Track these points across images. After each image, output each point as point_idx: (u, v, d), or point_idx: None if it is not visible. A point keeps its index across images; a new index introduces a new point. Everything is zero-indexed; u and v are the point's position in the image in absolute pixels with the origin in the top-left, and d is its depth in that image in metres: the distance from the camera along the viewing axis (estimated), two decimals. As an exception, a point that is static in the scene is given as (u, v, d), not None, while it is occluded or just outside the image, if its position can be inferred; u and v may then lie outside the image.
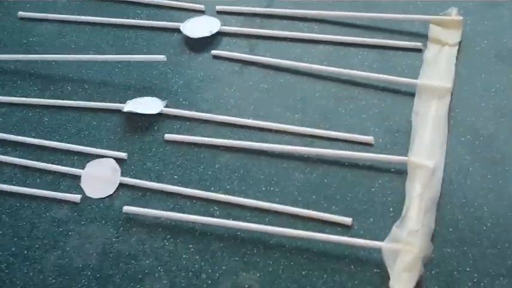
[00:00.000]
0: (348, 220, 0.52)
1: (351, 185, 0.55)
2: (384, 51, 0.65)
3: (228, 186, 0.56)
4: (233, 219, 0.53)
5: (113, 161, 0.58)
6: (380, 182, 0.55)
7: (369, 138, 0.57)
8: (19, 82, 0.65)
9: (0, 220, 0.55)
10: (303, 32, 0.67)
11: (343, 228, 0.52)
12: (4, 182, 0.57)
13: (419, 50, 0.64)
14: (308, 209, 0.53)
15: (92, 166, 0.58)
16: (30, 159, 0.59)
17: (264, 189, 0.55)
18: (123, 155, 0.58)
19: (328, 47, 0.66)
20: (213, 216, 0.54)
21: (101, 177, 0.57)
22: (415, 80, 0.61)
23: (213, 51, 0.66)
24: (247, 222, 0.53)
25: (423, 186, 0.52)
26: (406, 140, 0.57)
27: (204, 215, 0.54)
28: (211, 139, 0.59)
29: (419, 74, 0.62)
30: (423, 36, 0.65)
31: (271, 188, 0.55)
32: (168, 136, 0.59)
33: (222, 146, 0.59)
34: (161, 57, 0.63)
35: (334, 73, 0.63)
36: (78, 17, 0.71)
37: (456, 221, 0.52)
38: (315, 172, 0.56)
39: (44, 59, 0.66)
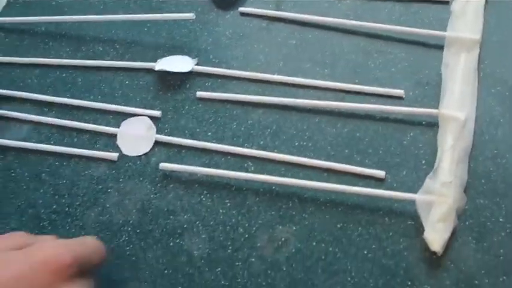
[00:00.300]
0: (381, 173, 0.53)
1: (382, 139, 0.56)
2: (411, 4, 0.65)
3: (262, 142, 0.57)
4: (267, 174, 0.55)
5: (148, 119, 0.59)
6: (412, 134, 0.56)
7: (399, 92, 0.58)
8: (51, 44, 0.66)
9: (41, 179, 0.57)
10: (328, -13, 0.67)
11: (377, 181, 0.53)
12: (42, 142, 0.59)
13: (446, 2, 0.64)
14: (341, 163, 0.54)
15: (127, 124, 0.59)
16: (66, 119, 0.60)
17: (296, 144, 0.56)
18: (157, 113, 0.59)
19: (355, 1, 0.66)
20: (247, 171, 0.55)
21: (136, 135, 0.58)
22: (443, 33, 0.61)
23: (240, 8, 0.66)
24: (282, 176, 0.54)
25: (455, 138, 0.53)
26: (436, 92, 0.57)
27: (239, 171, 0.55)
28: (242, 96, 0.60)
29: (447, 26, 0.62)
30: (450, -12, 0.65)
31: (304, 143, 0.56)
32: (200, 94, 0.60)
33: (253, 102, 0.59)
34: (190, 16, 0.63)
35: (362, 27, 0.63)
36: (105, -24, 0.71)
37: (488, 172, 0.53)
38: (346, 126, 0.57)
39: (74, 20, 0.67)
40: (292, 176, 0.54)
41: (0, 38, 0.67)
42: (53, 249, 0.42)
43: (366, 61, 0.61)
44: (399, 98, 0.58)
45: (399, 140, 0.56)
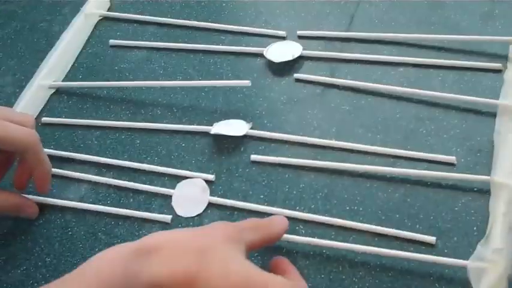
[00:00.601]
0: (431, 239, 0.53)
1: (434, 204, 0.56)
2: (464, 72, 0.66)
3: (313, 205, 0.57)
4: (318, 238, 0.55)
5: (202, 181, 0.60)
6: (463, 201, 0.56)
7: (451, 158, 0.58)
8: (112, 107, 0.69)
9: (97, 238, 0.58)
10: (382, 55, 0.68)
11: (427, 247, 0.53)
12: (99, 202, 0.61)
13: (499, 71, 0.65)
14: (391, 227, 0.55)
15: (182, 186, 0.60)
16: (123, 180, 0.62)
17: (347, 208, 0.57)
18: (211, 176, 0.61)
19: (408, 69, 0.67)
20: (298, 234, 0.56)
21: (190, 197, 0.60)
22: (495, 101, 0.61)
23: (296, 75, 0.68)
24: (332, 240, 0.55)
25: (507, 205, 0.53)
26: (488, 159, 0.58)
27: (290, 233, 0.55)
28: (295, 159, 0.61)
29: (500, 94, 0.62)
30: (503, 57, 0.66)
31: (355, 207, 0.57)
32: (254, 157, 0.62)
33: (305, 166, 0.60)
34: (246, 82, 0.65)
35: (414, 94, 0.64)
36: (165, 43, 0.74)
37: (541, 240, 0.52)
38: (397, 192, 0.57)
39: (134, 85, 0.69)
40: (343, 240, 0.54)
41: (64, 101, 0.70)
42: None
43: (417, 127, 0.62)
44: (451, 164, 0.58)
45: (451, 206, 0.55)
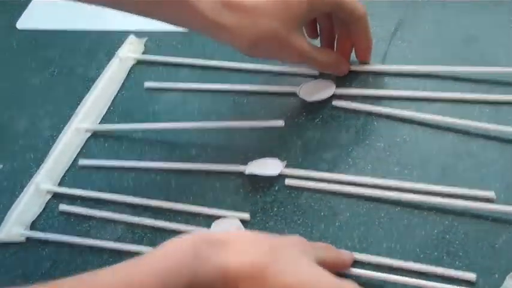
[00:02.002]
0: (472, 276, 0.52)
1: (473, 241, 0.55)
2: (500, 106, 0.65)
3: (349, 243, 0.57)
4: (355, 276, 0.54)
5: (237, 220, 0.60)
6: (504, 237, 0.54)
7: (490, 194, 0.57)
8: (147, 148, 0.69)
9: (133, 279, 0.58)
10: (416, 90, 0.68)
11: (468, 285, 0.52)
12: (135, 242, 0.61)
13: (536, 103, 0.64)
14: (430, 265, 0.54)
15: (217, 226, 0.60)
16: (159, 220, 0.62)
17: (384, 246, 0.56)
18: (246, 215, 0.60)
19: (443, 104, 0.66)
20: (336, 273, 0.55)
21: (225, 236, 0.59)
22: (534, 134, 0.61)
23: (334, 102, 0.69)
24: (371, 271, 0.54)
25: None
26: (527, 195, 0.57)
27: (327, 272, 0.55)
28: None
29: (538, 127, 0.61)
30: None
31: (392, 245, 0.56)
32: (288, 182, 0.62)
33: (341, 204, 0.60)
34: (279, 123, 0.65)
35: (452, 125, 0.64)
36: (199, 84, 0.74)
37: None
38: (436, 228, 0.56)
39: (169, 128, 0.70)
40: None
41: (100, 144, 0.71)
42: None
43: (455, 163, 0.61)
44: (490, 200, 0.57)
45: (490, 243, 0.54)
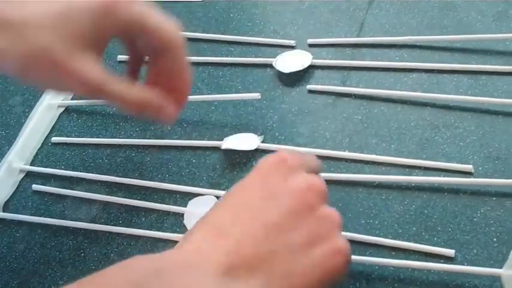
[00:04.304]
0: (450, 252, 0.52)
1: (451, 215, 0.54)
2: (479, 75, 0.64)
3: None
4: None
5: (214, 198, 0.59)
6: (482, 211, 0.54)
7: (468, 167, 0.57)
8: (121, 124, 0.68)
9: (109, 258, 0.57)
10: (393, 61, 0.67)
11: (446, 260, 0.52)
12: (111, 222, 0.60)
13: (515, 73, 0.63)
14: (409, 240, 0.53)
15: (194, 204, 0.59)
16: (134, 199, 0.61)
17: (363, 222, 0.55)
18: (222, 193, 0.59)
19: (421, 74, 0.65)
20: (313, 250, 0.54)
21: (202, 214, 0.58)
22: (512, 105, 0.60)
23: (309, 86, 0.66)
24: (348, 255, 0.53)
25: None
26: (506, 167, 0.56)
27: (305, 250, 0.54)
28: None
29: (517, 97, 0.61)
30: (519, 59, 0.64)
31: (371, 221, 0.55)
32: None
33: (319, 179, 0.59)
34: (256, 95, 0.64)
35: (428, 99, 0.63)
36: (173, 57, 0.73)
37: None
38: (414, 203, 0.56)
39: (143, 100, 0.68)
40: (359, 255, 0.53)
41: (73, 120, 0.69)
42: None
43: (433, 136, 0.60)
44: (468, 173, 0.57)
45: (469, 217, 0.54)
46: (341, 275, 0.42)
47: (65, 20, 0.44)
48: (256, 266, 0.39)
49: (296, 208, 0.42)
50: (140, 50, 0.51)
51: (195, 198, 0.60)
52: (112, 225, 0.59)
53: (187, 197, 0.60)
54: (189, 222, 0.58)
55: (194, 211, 0.59)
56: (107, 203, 0.61)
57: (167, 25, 0.48)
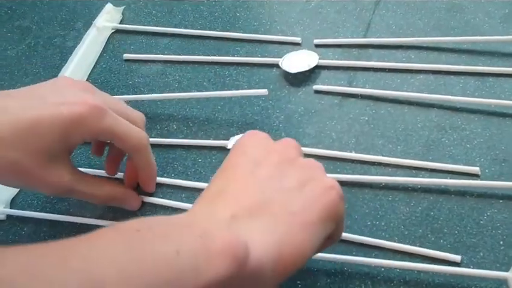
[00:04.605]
0: (456, 257, 0.51)
1: (458, 218, 0.54)
2: (486, 77, 0.64)
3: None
4: (339, 255, 0.53)
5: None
6: (488, 214, 0.54)
7: (474, 169, 0.57)
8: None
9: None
10: (400, 62, 0.67)
11: (453, 265, 0.52)
12: (117, 220, 0.60)
13: (523, 76, 0.63)
14: (415, 243, 0.53)
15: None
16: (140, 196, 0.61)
17: (369, 223, 0.55)
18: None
19: (428, 75, 0.65)
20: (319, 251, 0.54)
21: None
22: (520, 107, 0.60)
23: (315, 86, 0.66)
24: (354, 256, 0.53)
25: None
26: (513, 169, 0.56)
27: (311, 250, 0.54)
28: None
29: (524, 100, 0.61)
30: (526, 61, 0.64)
31: (377, 222, 0.55)
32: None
33: (325, 180, 0.59)
34: (263, 91, 0.64)
35: (435, 101, 0.63)
36: (180, 56, 0.73)
37: None
38: (420, 205, 0.56)
39: (149, 99, 0.68)
40: (365, 256, 0.53)
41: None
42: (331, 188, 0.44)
43: (439, 137, 0.60)
44: (475, 175, 0.57)
45: (476, 220, 0.54)
46: (338, 213, 0.44)
47: (32, 137, 0.49)
48: (257, 211, 0.41)
49: (280, 162, 0.45)
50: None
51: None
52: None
53: (193, 195, 0.60)
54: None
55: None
56: (113, 201, 0.61)
57: (134, 132, 0.55)
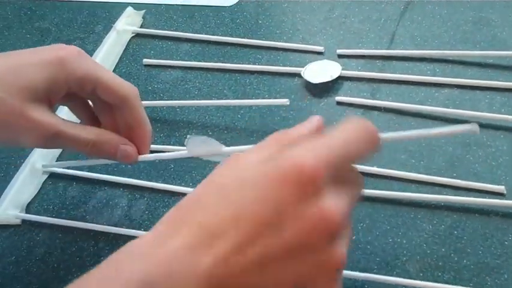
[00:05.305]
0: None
1: (482, 237, 0.53)
2: (512, 93, 0.63)
3: (354, 237, 0.55)
4: (359, 271, 0.52)
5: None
6: (514, 234, 0.53)
7: (499, 188, 0.55)
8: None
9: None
10: (425, 75, 0.66)
11: (476, 285, 0.50)
12: (133, 228, 0.59)
13: (550, 93, 0.62)
14: (437, 262, 0.52)
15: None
16: (157, 206, 0.60)
17: (390, 240, 0.54)
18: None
19: (453, 90, 0.64)
20: (339, 267, 0.53)
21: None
22: (547, 125, 0.59)
23: (337, 98, 0.65)
24: (374, 274, 0.52)
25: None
26: (540, 189, 0.55)
27: (330, 266, 0.53)
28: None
29: (552, 118, 0.59)
30: (554, 78, 0.63)
31: (398, 240, 0.54)
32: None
33: (346, 194, 0.58)
34: (284, 101, 0.63)
35: (460, 116, 0.61)
36: (200, 63, 0.72)
37: None
38: (443, 223, 0.55)
39: (169, 105, 0.68)
40: (386, 275, 0.52)
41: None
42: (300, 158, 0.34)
43: (464, 154, 0.59)
44: (500, 194, 0.55)
45: (500, 240, 0.53)
46: None
47: (16, 76, 0.47)
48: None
49: (295, 245, 0.33)
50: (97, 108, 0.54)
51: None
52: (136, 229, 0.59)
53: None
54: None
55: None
56: (129, 208, 0.60)
57: (119, 79, 0.51)
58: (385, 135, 0.40)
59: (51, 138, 0.49)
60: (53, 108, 0.50)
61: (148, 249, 0.34)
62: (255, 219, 0.33)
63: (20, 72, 0.47)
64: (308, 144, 0.36)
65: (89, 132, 0.50)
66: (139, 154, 0.53)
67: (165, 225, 0.35)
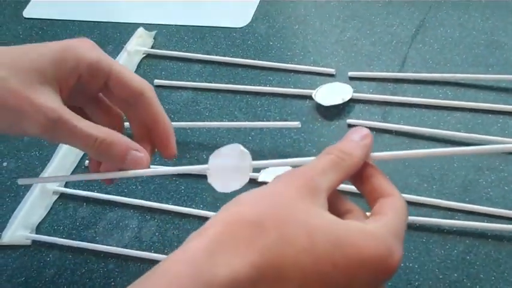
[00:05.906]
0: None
1: (495, 263, 0.53)
2: (525, 118, 0.63)
3: (366, 261, 0.55)
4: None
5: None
6: (528, 260, 0.53)
7: (513, 213, 0.55)
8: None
9: None
10: (437, 98, 0.66)
11: (489, 312, 0.50)
12: (143, 249, 0.59)
13: None
14: (450, 287, 0.52)
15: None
16: (167, 227, 0.60)
17: (402, 265, 0.54)
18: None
19: (465, 113, 0.64)
20: None
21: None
22: (560, 150, 0.58)
23: (349, 120, 0.65)
24: (386, 299, 0.52)
25: None
26: (554, 215, 0.54)
27: None
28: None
29: None
30: None
31: (410, 264, 0.54)
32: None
33: (357, 218, 0.58)
34: (296, 124, 0.63)
35: (473, 140, 0.61)
36: (211, 84, 0.72)
37: None
38: (456, 248, 0.54)
39: (179, 127, 0.67)
40: (398, 300, 0.52)
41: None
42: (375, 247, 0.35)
43: (476, 178, 0.58)
44: (514, 219, 0.55)
45: (514, 266, 0.52)
46: None
47: (24, 58, 0.45)
48: None
49: None
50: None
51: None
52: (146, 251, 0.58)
53: (222, 229, 0.59)
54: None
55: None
56: (140, 230, 0.60)
57: (133, 73, 0.49)
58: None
59: (52, 126, 0.44)
60: (60, 95, 0.46)
61: None
62: None
63: (27, 54, 0.46)
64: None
65: (98, 129, 0.46)
66: (165, 157, 0.51)
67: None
